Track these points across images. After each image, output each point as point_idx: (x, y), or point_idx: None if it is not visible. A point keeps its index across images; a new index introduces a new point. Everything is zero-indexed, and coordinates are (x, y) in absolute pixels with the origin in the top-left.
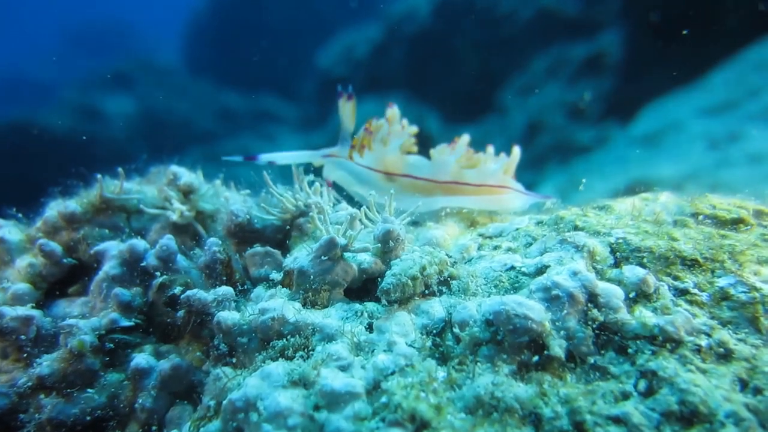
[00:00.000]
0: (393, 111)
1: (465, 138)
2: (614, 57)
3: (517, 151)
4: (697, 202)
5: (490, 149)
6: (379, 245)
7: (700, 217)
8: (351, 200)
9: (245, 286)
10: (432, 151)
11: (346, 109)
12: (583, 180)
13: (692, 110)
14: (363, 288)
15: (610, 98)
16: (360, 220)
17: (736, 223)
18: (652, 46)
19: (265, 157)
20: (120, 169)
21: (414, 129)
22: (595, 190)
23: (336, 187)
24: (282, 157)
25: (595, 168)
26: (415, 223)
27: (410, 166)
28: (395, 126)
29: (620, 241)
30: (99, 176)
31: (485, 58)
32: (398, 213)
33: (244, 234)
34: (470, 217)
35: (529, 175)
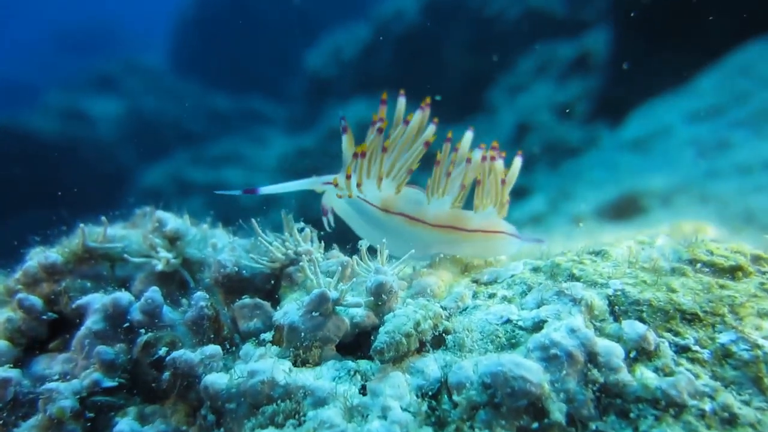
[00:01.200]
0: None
1: (460, 174)
2: (601, 56)
3: (507, 198)
4: (694, 248)
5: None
6: (372, 298)
7: (698, 265)
8: (350, 231)
9: (234, 340)
10: (426, 189)
11: (349, 140)
12: (581, 224)
13: (681, 115)
14: (356, 342)
15: (599, 98)
16: (352, 268)
17: (734, 270)
18: (639, 45)
19: (265, 190)
20: (103, 218)
21: (429, 134)
22: (587, 200)
23: (336, 214)
24: (282, 188)
25: (586, 171)
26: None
27: (407, 203)
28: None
29: (618, 293)
30: (81, 225)
31: (474, 58)
32: (393, 252)
33: (232, 284)
34: (464, 261)
35: (519, 178)
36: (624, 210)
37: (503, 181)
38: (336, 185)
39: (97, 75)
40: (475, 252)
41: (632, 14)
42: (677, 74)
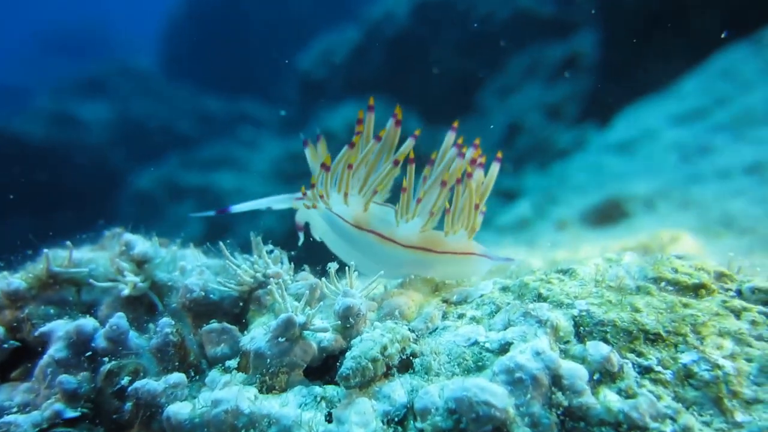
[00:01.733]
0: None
1: (432, 196)
2: (590, 58)
3: (479, 219)
4: (660, 266)
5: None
6: (339, 322)
7: (662, 283)
8: (323, 249)
9: (201, 366)
10: (397, 207)
11: (312, 154)
12: (560, 261)
13: (664, 118)
14: (324, 365)
15: (587, 99)
16: (321, 290)
17: (697, 288)
18: (627, 46)
19: (236, 208)
20: (69, 243)
21: (403, 151)
22: (572, 205)
23: (309, 230)
24: (255, 205)
25: (573, 174)
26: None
27: (380, 222)
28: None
29: (584, 313)
30: (46, 251)
31: (463, 60)
32: (366, 269)
33: (199, 308)
34: (435, 281)
35: (509, 178)
36: (608, 215)
37: (476, 206)
38: (304, 195)
39: (87, 78)
40: (446, 273)
41: (623, 17)
42: (663, 73)
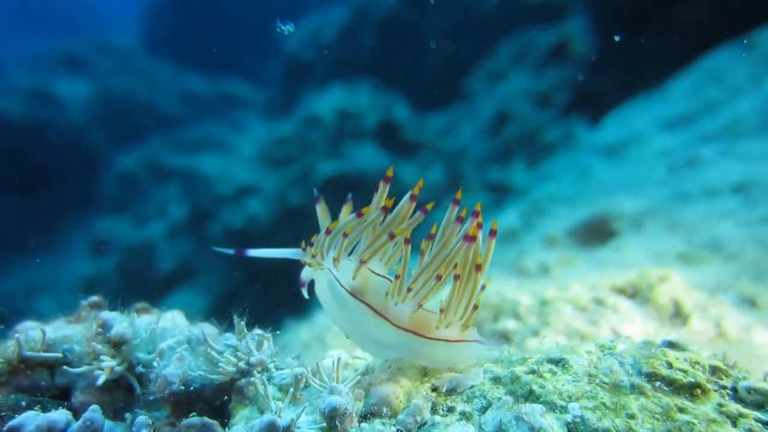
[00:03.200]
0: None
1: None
2: (579, 45)
3: (472, 319)
4: (653, 360)
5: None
6: (325, 424)
7: (657, 383)
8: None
9: None
10: (387, 292)
11: (323, 212)
12: (544, 336)
13: (653, 121)
14: None
15: (576, 88)
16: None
17: (692, 388)
18: (617, 33)
19: (253, 252)
20: (41, 327)
21: (412, 223)
22: (560, 218)
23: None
24: (269, 253)
25: (560, 174)
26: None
27: (375, 294)
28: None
29: (577, 419)
30: (17, 334)
31: (453, 44)
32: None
33: (179, 398)
34: (423, 367)
35: (496, 170)
36: (595, 232)
37: (476, 307)
38: (314, 256)
39: (65, 54)
40: (436, 360)
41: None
42: (652, 71)
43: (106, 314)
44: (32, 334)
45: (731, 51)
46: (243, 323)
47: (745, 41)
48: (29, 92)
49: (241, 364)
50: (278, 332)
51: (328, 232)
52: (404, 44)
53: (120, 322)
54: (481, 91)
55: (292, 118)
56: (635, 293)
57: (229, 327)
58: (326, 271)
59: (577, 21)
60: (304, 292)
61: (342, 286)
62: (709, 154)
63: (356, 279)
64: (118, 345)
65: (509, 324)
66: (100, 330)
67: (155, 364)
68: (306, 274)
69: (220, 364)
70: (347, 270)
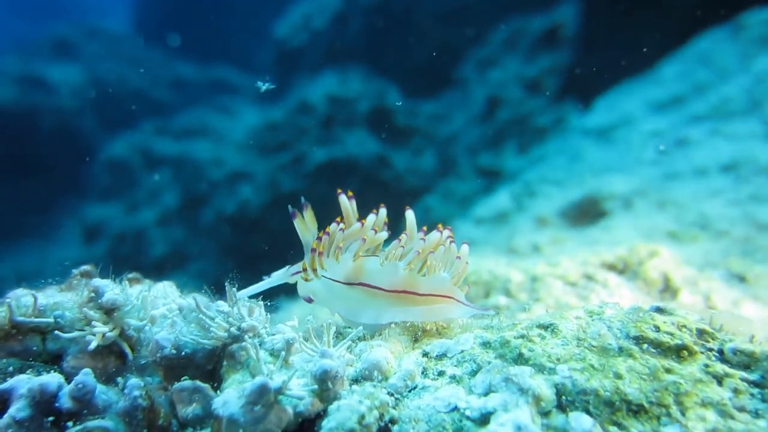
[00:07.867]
0: (346, 204)
1: (418, 242)
2: (570, 30)
3: (466, 266)
4: (641, 324)
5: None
6: (317, 386)
7: (644, 346)
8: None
9: (172, 428)
10: (381, 255)
11: (301, 225)
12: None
13: (643, 104)
14: (299, 430)
15: (567, 73)
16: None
17: (679, 350)
18: (608, 17)
19: (243, 293)
20: (32, 293)
21: (383, 236)
22: (551, 198)
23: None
24: (259, 287)
25: (551, 156)
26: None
27: (366, 273)
28: (351, 231)
29: (566, 380)
30: (8, 300)
31: (444, 30)
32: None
33: (171, 363)
34: (414, 330)
35: (488, 155)
36: (586, 213)
37: (463, 262)
38: (304, 270)
39: (55, 39)
40: (424, 317)
41: None
42: (643, 56)
43: (98, 281)
44: (24, 301)
45: (719, 34)
46: (234, 290)
47: (733, 24)
48: (20, 78)
49: (233, 330)
50: (270, 313)
51: (320, 253)
52: (396, 30)
53: (111, 289)
54: (472, 77)
55: (284, 103)
56: (625, 268)
57: (221, 298)
58: (319, 278)
59: (567, 6)
60: (309, 302)
61: (336, 281)
62: (699, 134)
63: (349, 268)
64: (109, 311)
65: (500, 300)
66: (92, 296)
67: (147, 330)
68: (302, 291)
69: (211, 329)
70: (334, 267)
